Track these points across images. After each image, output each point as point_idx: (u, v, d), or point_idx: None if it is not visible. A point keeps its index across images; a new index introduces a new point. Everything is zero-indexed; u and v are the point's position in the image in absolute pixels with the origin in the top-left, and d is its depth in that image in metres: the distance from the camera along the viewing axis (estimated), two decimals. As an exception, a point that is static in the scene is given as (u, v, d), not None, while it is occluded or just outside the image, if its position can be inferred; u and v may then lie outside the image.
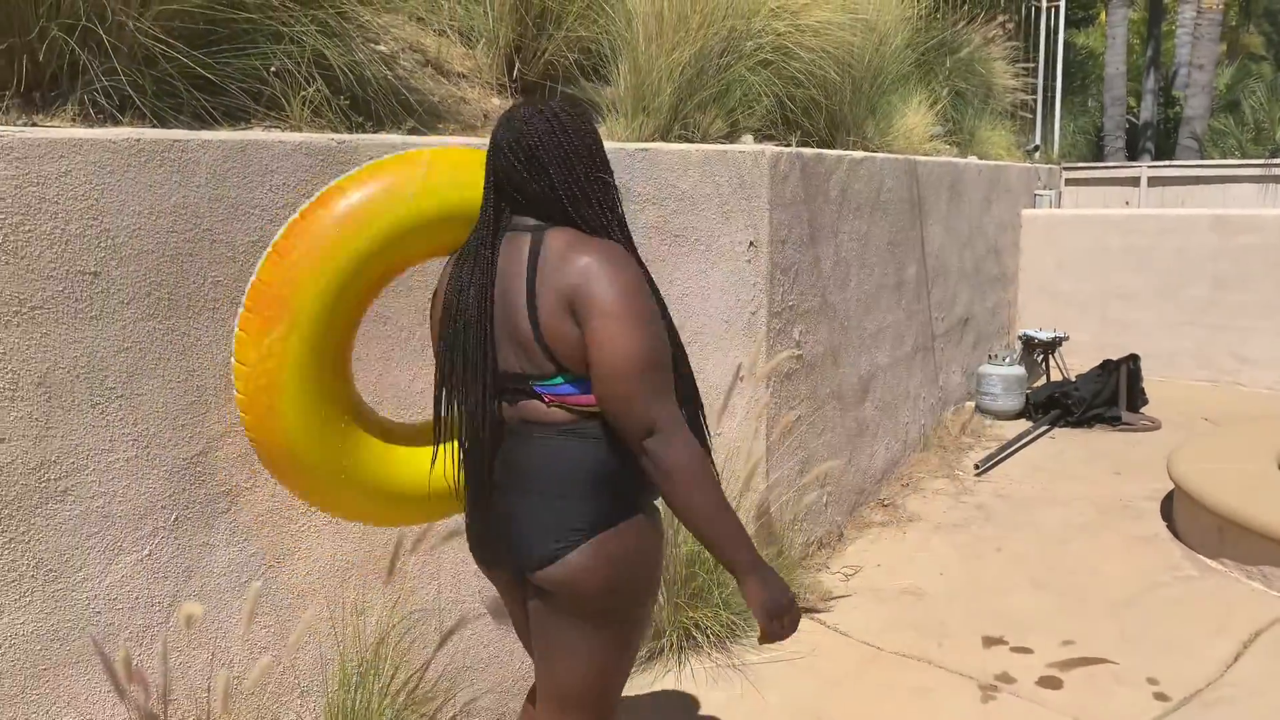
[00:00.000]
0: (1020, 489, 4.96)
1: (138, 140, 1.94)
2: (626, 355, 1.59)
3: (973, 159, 6.56)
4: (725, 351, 3.45)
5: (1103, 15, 15.36)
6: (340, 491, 1.91)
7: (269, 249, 1.84)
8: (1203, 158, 10.89)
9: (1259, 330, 6.89)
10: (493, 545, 1.81)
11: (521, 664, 2.81)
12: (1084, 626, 3.46)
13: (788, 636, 1.69)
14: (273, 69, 2.44)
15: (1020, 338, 7.12)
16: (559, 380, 1.67)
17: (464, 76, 3.45)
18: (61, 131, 1.86)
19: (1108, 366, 6.34)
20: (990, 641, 3.37)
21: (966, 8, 7.90)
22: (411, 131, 2.78)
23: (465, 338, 1.72)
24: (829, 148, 4.46)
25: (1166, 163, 9.86)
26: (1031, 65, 9.36)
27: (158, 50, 2.24)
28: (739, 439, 3.53)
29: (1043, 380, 7.00)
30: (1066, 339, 7.05)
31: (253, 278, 1.84)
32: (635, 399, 1.60)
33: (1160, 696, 3.01)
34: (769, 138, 4.11)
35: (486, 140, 2.31)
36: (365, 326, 2.31)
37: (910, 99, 5.86)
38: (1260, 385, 6.87)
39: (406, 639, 2.51)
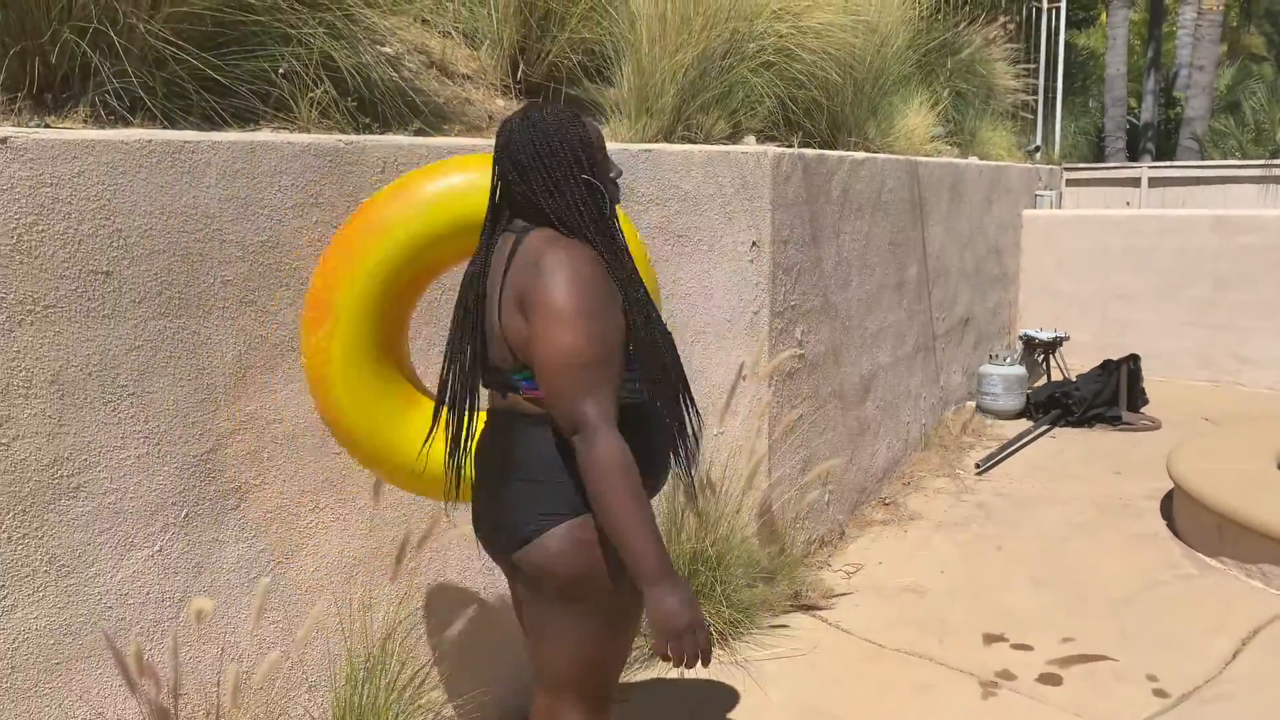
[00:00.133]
0: (1021, 488, 4.98)
1: (149, 141, 1.97)
2: (558, 351, 1.64)
3: (974, 160, 6.58)
4: (728, 351, 3.48)
5: (1103, 16, 15.37)
6: (397, 464, 2.09)
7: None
8: (1203, 158, 10.90)
9: (1259, 330, 6.91)
10: (485, 528, 1.90)
11: (527, 658, 2.83)
12: (1084, 624, 3.48)
13: (690, 662, 1.63)
14: (281, 71, 2.46)
15: (1021, 338, 7.15)
16: (525, 374, 1.76)
17: (469, 78, 3.48)
18: (74, 133, 1.88)
19: (1108, 366, 6.37)
20: (991, 639, 3.40)
21: (967, 9, 7.93)
22: (418, 133, 2.80)
23: (462, 330, 1.85)
24: (831, 149, 4.48)
25: (1167, 163, 9.88)
26: (1032, 66, 9.39)
27: (168, 52, 2.26)
28: (742, 437, 3.56)
29: (1043, 380, 7.02)
30: (1067, 339, 7.08)
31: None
32: (563, 394, 1.64)
33: (1159, 693, 3.03)
34: (771, 139, 4.13)
35: (491, 141, 2.35)
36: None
37: (911, 100, 5.88)
38: (1261, 385, 6.89)
39: (413, 635, 2.53)
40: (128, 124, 2.19)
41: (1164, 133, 13.89)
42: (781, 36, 4.09)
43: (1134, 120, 13.77)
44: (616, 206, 1.87)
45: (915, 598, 3.72)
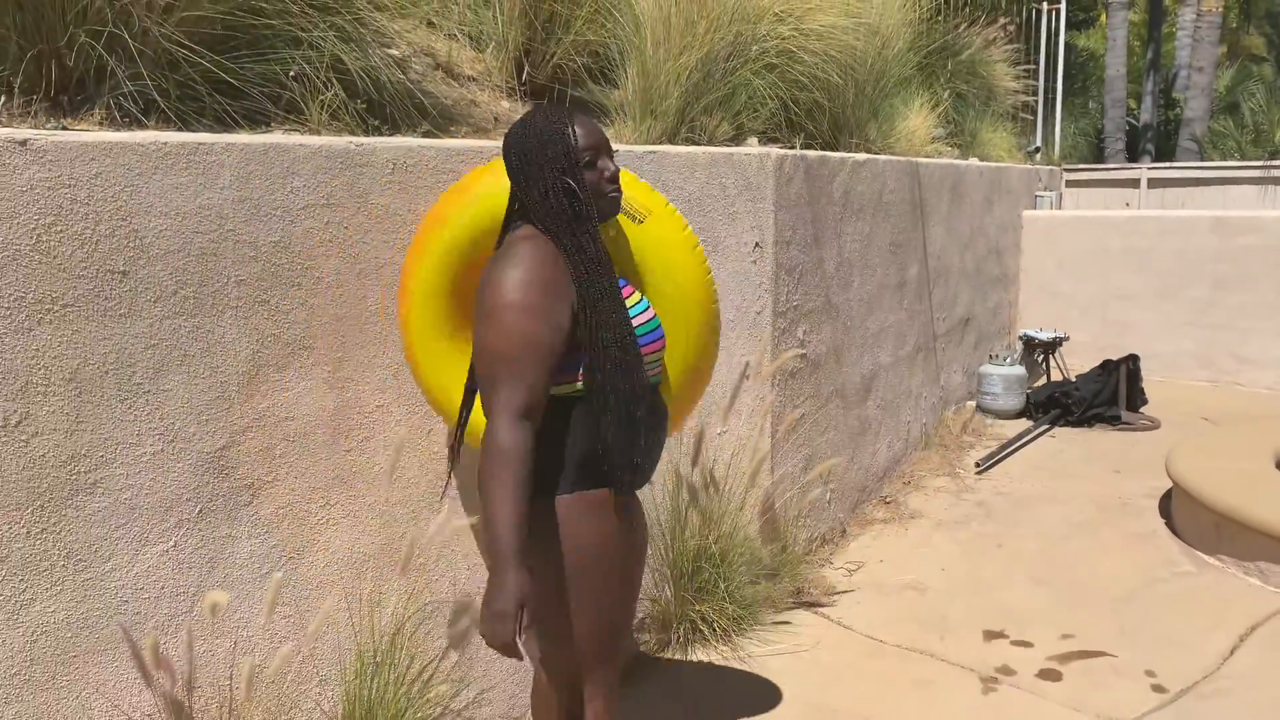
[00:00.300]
0: (1021, 487, 5.02)
1: (165, 143, 2.00)
2: (479, 344, 1.80)
3: (974, 161, 6.62)
4: (731, 351, 3.51)
5: (1103, 18, 15.41)
6: (451, 405, 2.32)
7: None
8: (1202, 159, 10.94)
9: (1258, 331, 6.94)
10: None
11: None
12: (1083, 621, 3.52)
13: (493, 644, 1.74)
14: (291, 73, 2.50)
15: (1021, 338, 7.18)
16: None
17: (474, 79, 3.51)
18: (92, 135, 1.92)
19: (1108, 367, 6.40)
20: (991, 635, 3.43)
21: (968, 10, 7.97)
22: (426, 134, 2.84)
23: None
24: (832, 150, 4.52)
25: (1166, 164, 9.92)
26: (1032, 67, 9.42)
27: (180, 55, 2.30)
28: (745, 436, 3.59)
29: (1043, 380, 7.05)
30: (1067, 339, 7.11)
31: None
32: (482, 384, 1.80)
33: (1158, 689, 3.06)
34: (773, 140, 4.17)
35: (497, 143, 2.38)
36: (382, 326, 2.40)
37: (912, 101, 5.92)
38: (1260, 385, 6.93)
39: (421, 630, 2.57)
40: (142, 126, 2.23)
41: (1163, 134, 13.94)
42: (784, 39, 4.12)
43: (1133, 121, 13.81)
44: (667, 212, 1.96)
45: (916, 595, 3.76)
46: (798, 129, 4.42)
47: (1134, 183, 9.14)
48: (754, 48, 3.90)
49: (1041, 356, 7.15)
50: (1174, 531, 4.35)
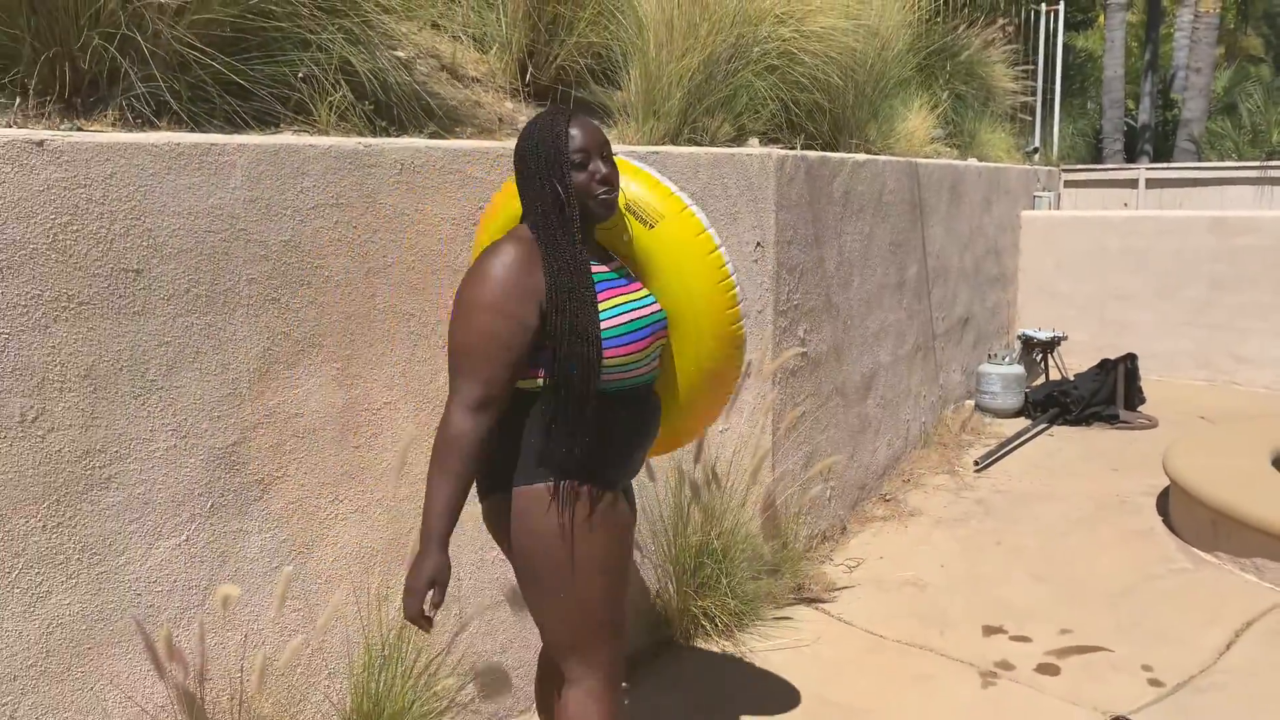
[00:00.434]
0: (1019, 485, 5.05)
1: (177, 144, 2.04)
2: (447, 340, 1.93)
3: (973, 161, 6.66)
4: (732, 349, 3.54)
5: (1101, 18, 15.46)
6: None
7: None
8: (1200, 160, 10.98)
9: (1256, 331, 6.98)
10: None
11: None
12: (1081, 616, 3.55)
13: (405, 617, 1.87)
14: (300, 75, 2.53)
15: (1019, 337, 7.22)
16: None
17: (478, 81, 3.55)
18: (107, 136, 1.95)
19: (1105, 366, 6.44)
20: (990, 630, 3.47)
21: (967, 11, 8.00)
22: (433, 135, 2.87)
23: None
24: (833, 150, 4.56)
25: (1164, 165, 9.96)
26: (1031, 68, 9.46)
27: (192, 57, 2.33)
28: (747, 433, 3.63)
29: (1041, 379, 7.09)
30: (1065, 339, 7.15)
31: None
32: (449, 374, 1.90)
33: (1154, 683, 3.10)
34: (774, 141, 4.20)
35: (503, 143, 2.41)
36: (390, 323, 2.43)
37: (911, 102, 5.95)
38: (1257, 385, 6.96)
39: (428, 624, 2.60)
40: (154, 127, 2.26)
41: (1161, 134, 13.98)
42: (784, 41, 4.16)
43: (1131, 122, 13.86)
44: (684, 216, 2.03)
45: (916, 591, 3.79)
46: (798, 130, 4.46)
47: (1132, 183, 9.18)
48: (755, 50, 3.94)
49: (1040, 356, 7.18)
50: (1171, 529, 4.39)
